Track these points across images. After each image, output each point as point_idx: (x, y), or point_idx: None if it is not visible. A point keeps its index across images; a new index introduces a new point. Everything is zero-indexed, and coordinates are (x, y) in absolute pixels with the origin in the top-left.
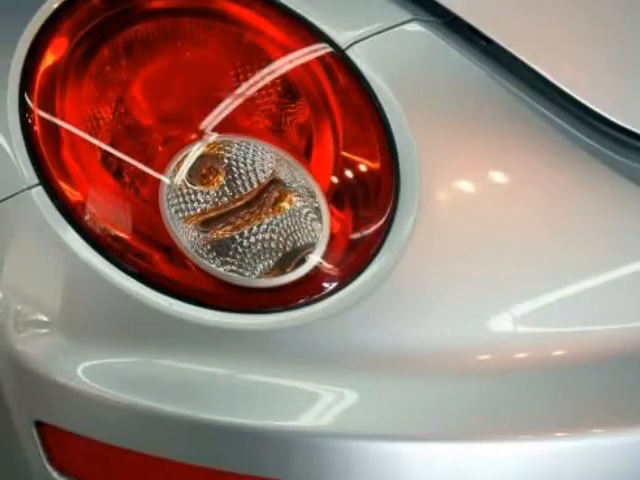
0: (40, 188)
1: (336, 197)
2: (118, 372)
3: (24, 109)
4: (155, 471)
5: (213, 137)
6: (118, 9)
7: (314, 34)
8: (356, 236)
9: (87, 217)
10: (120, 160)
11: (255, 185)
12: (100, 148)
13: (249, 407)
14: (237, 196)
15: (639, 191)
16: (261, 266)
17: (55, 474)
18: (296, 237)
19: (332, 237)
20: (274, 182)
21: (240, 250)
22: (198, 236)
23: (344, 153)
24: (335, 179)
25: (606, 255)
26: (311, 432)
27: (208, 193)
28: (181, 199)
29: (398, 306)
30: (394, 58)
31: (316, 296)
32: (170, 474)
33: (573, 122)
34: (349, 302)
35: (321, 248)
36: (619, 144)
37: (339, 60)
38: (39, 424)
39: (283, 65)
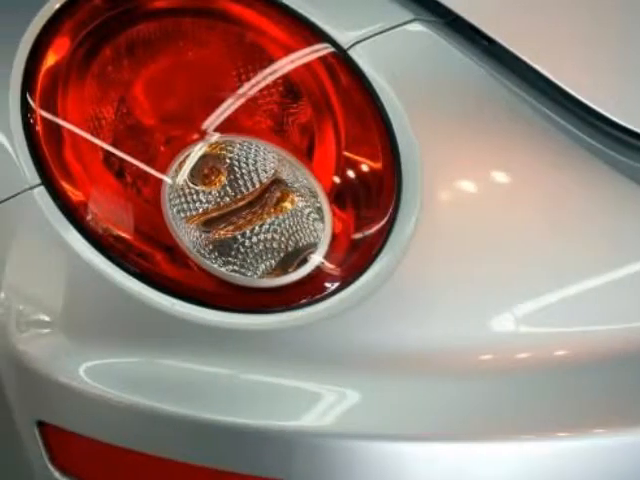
0: (42, 188)
1: (338, 197)
2: (120, 372)
3: (26, 109)
4: (157, 471)
5: (215, 137)
6: (120, 9)
7: (316, 34)
8: (358, 236)
9: (89, 217)
10: (122, 160)
11: (257, 185)
12: (102, 148)
13: (251, 407)
14: (239, 196)
15: None
16: (263, 266)
17: (57, 474)
18: (298, 237)
19: (334, 237)
20: (276, 182)
21: (242, 250)
22: (200, 236)
23: (346, 153)
24: (337, 179)
25: (608, 255)
26: (313, 432)
27: (210, 193)
28: (183, 199)
29: (400, 306)
30: (396, 58)
31: (318, 296)
32: (172, 474)
33: (575, 122)
34: (351, 302)
35: (323, 248)
36: (621, 144)
37: (341, 60)
38: (41, 424)
39: (285, 65)
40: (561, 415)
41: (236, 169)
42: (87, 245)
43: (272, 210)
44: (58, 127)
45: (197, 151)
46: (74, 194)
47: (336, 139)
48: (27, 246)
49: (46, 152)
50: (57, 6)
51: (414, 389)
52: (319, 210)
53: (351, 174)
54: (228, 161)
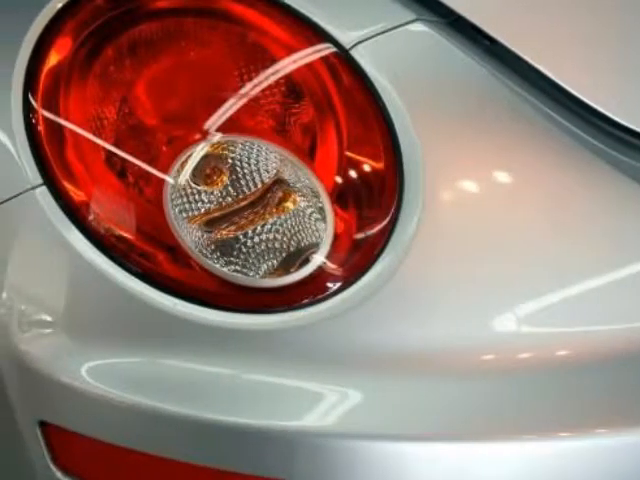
0: (44, 188)
1: (340, 197)
2: (122, 372)
3: (28, 109)
4: (159, 471)
5: (217, 137)
6: (122, 9)
7: (318, 34)
8: (360, 236)
9: (91, 217)
10: (124, 160)
11: (259, 185)
12: (104, 148)
13: (253, 407)
14: (241, 196)
15: None
16: (265, 266)
17: (59, 474)
18: (300, 237)
19: (336, 237)
20: (278, 182)
21: (244, 250)
22: (202, 236)
23: (348, 153)
24: (339, 179)
25: (610, 255)
26: (315, 432)
27: (212, 193)
28: (185, 199)
29: (402, 306)
30: (398, 58)
31: (320, 296)
32: (174, 474)
33: (577, 122)
34: (353, 302)
35: (325, 248)
36: (623, 144)
37: (343, 60)
38: (43, 424)
39: (287, 65)
40: (563, 415)
41: (238, 169)
42: (89, 245)
43: (274, 210)
44: (60, 127)
45: (199, 151)
46: (76, 194)
47: (338, 139)
48: (29, 246)
49: (48, 152)
50: (59, 6)
51: (416, 389)
52: (321, 210)
53: (353, 174)
54: (230, 161)
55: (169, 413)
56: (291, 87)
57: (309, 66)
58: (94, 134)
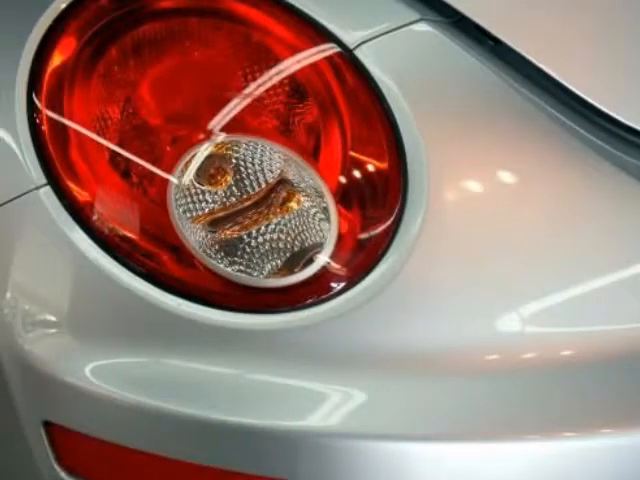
0: (48, 188)
1: (344, 197)
2: (126, 372)
3: (32, 109)
4: (162, 471)
5: (221, 137)
6: (126, 9)
7: (322, 34)
8: (364, 236)
9: (95, 217)
10: (128, 160)
11: (263, 185)
12: (108, 148)
13: (257, 407)
14: (245, 196)
15: None
16: (269, 266)
17: (63, 474)
18: (304, 237)
19: (340, 237)
20: (282, 182)
21: (248, 250)
22: (206, 236)
23: (352, 153)
24: (343, 179)
25: (614, 255)
26: (319, 432)
27: (216, 193)
28: (189, 199)
29: (406, 306)
30: (402, 58)
31: (324, 296)
32: (177, 474)
33: (581, 122)
34: (357, 302)
35: (329, 248)
36: (627, 144)
37: (347, 60)
38: (47, 424)
39: (291, 65)
40: (567, 415)
41: (242, 169)
42: (93, 245)
43: (278, 210)
44: (64, 127)
45: (203, 151)
46: (80, 194)
47: (342, 139)
48: (33, 246)
49: (52, 152)
50: (63, 6)
51: (420, 389)
52: (325, 210)
53: (357, 174)
54: (234, 161)
55: (173, 413)
56: (295, 87)
57: (313, 66)
58: (98, 134)
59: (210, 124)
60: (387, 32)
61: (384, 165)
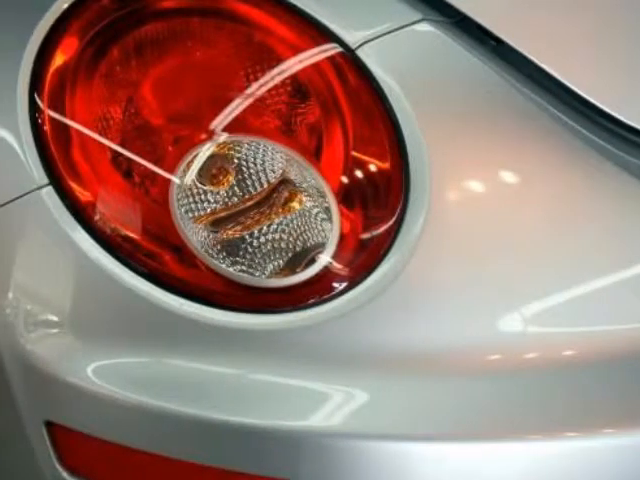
0: (50, 188)
1: (346, 197)
2: (128, 372)
3: (34, 109)
4: (164, 471)
5: (223, 137)
6: (128, 9)
7: (324, 34)
8: (366, 236)
9: (97, 217)
10: (130, 160)
11: (265, 185)
12: (110, 148)
13: (259, 407)
14: (247, 196)
15: None
16: (271, 266)
17: (65, 474)
18: (306, 237)
19: (342, 237)
20: (284, 182)
21: (250, 250)
22: (208, 236)
23: (354, 153)
24: (345, 179)
25: (616, 255)
26: (321, 432)
27: (218, 193)
28: (191, 199)
29: (408, 306)
30: (404, 58)
31: (326, 296)
32: (179, 474)
33: (584, 122)
34: (359, 302)
35: (331, 248)
36: (629, 144)
37: (349, 60)
38: (49, 424)
39: (293, 65)
40: (570, 415)
41: (244, 169)
42: (95, 245)
43: (280, 210)
44: (66, 127)
45: (205, 151)
46: (82, 194)
47: (344, 139)
48: (35, 246)
49: (54, 152)
50: (65, 6)
51: (422, 389)
52: (327, 210)
53: (359, 174)
54: (236, 161)
55: (175, 413)
56: (297, 87)
57: (315, 66)
58: (100, 134)
59: (212, 124)
60: (389, 32)
61: (386, 165)
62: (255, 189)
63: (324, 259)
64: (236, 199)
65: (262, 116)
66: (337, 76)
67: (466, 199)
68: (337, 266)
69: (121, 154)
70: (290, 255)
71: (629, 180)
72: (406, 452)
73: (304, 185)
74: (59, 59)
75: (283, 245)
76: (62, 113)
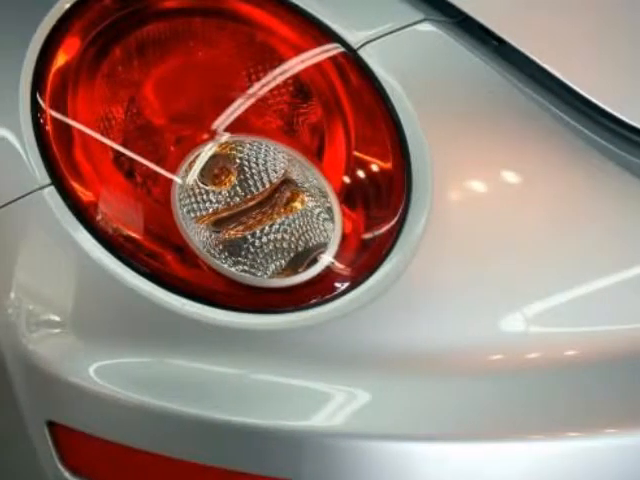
0: (52, 188)
1: (348, 197)
2: (130, 372)
3: (36, 109)
4: (166, 471)
5: (225, 137)
6: (130, 9)
7: (326, 34)
8: (368, 236)
9: (99, 217)
10: (132, 160)
11: (267, 185)
12: (112, 148)
13: (261, 407)
14: (249, 196)
15: None
16: (273, 266)
17: (67, 474)
18: (308, 237)
19: (344, 237)
20: (286, 182)
21: (252, 250)
22: (210, 236)
23: (356, 153)
24: (347, 179)
25: (618, 255)
26: (323, 432)
27: (220, 193)
28: (193, 199)
29: (410, 306)
30: (406, 58)
31: (328, 296)
32: (181, 474)
33: (586, 122)
34: (361, 302)
35: (333, 248)
36: (631, 144)
37: (351, 60)
38: (51, 424)
39: (295, 65)
40: (572, 415)
41: (246, 169)
42: (97, 245)
43: (282, 210)
44: (68, 127)
45: (207, 151)
46: (84, 194)
47: (346, 139)
48: (37, 246)
49: (56, 152)
50: (67, 6)
51: (424, 389)
52: (329, 210)
53: (361, 174)
54: (238, 161)
55: (177, 413)
56: (299, 87)
57: (317, 66)
58: (102, 134)
59: (214, 124)
60: (391, 32)
61: (388, 165)
62: (257, 189)
63: (326, 259)
64: (238, 199)
65: (264, 116)
66: (339, 76)
67: (468, 199)
68: (339, 266)
69: (123, 154)
70: (292, 255)
71: (631, 180)
72: (408, 452)
73: (306, 185)
74: (61, 59)
75: (285, 245)
76: (64, 113)
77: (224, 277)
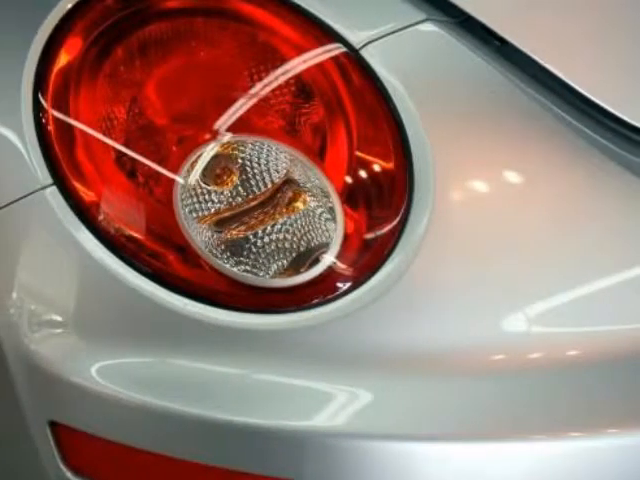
0: (54, 188)
1: (350, 197)
2: (132, 372)
3: (38, 109)
4: (168, 471)
5: (227, 137)
6: (132, 9)
7: (328, 34)
8: (370, 236)
9: (101, 217)
10: (134, 160)
11: (269, 185)
12: (114, 148)
13: (263, 407)
14: (251, 196)
15: None
16: (275, 266)
17: (69, 474)
18: (310, 237)
19: (346, 237)
20: (288, 182)
21: (254, 250)
22: (212, 236)
23: (358, 153)
24: (349, 179)
25: (620, 255)
26: (325, 432)
27: (222, 193)
28: (195, 199)
29: (412, 306)
30: (408, 58)
31: (330, 296)
32: (183, 474)
33: (587, 122)
34: (363, 302)
35: (335, 248)
36: (633, 144)
37: (353, 60)
38: (53, 424)
39: (297, 65)
40: (574, 415)
41: (248, 169)
42: (99, 245)
43: (284, 210)
44: (70, 127)
45: (209, 151)
46: (86, 194)
47: (348, 139)
48: (39, 246)
49: (58, 152)
50: (69, 6)
51: (426, 389)
52: (331, 210)
53: (363, 174)
54: (240, 161)
55: (179, 413)
56: (301, 87)
57: (319, 66)
58: (104, 134)
59: (216, 124)
60: (393, 32)
61: (390, 165)
62: (259, 189)
63: (328, 259)
64: (240, 199)
65: (266, 116)
66: (341, 76)
67: (470, 199)
68: (341, 266)
69: (125, 154)
70: (294, 255)
71: (632, 180)
72: (410, 452)
73: (308, 185)
74: (63, 59)
75: (287, 245)
76: (66, 113)
77: (226, 277)
